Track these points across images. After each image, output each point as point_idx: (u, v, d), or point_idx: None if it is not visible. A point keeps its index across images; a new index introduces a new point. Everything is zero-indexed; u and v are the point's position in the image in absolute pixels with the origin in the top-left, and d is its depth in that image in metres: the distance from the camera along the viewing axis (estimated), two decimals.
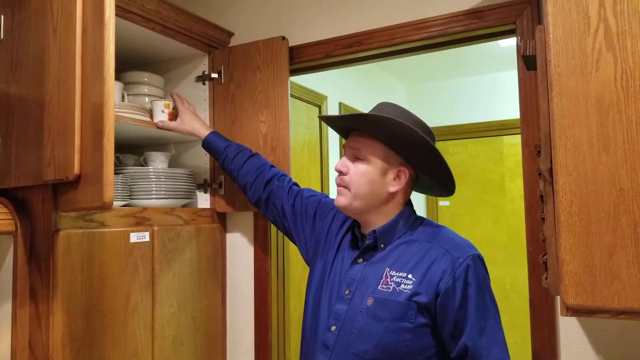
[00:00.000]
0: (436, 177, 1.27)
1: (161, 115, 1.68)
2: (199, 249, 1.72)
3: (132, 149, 1.93)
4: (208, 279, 1.76)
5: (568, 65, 1.02)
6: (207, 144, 1.65)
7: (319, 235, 1.41)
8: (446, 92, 3.96)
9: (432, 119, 3.85)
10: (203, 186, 1.85)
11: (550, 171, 1.04)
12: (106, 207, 1.08)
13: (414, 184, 1.29)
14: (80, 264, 1.33)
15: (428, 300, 1.13)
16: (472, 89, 3.88)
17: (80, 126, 1.15)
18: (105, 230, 1.41)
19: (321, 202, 1.46)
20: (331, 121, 1.35)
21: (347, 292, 1.22)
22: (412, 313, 1.13)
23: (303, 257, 1.46)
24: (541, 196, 1.10)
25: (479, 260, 1.18)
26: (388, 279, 1.18)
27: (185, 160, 1.91)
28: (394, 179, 1.23)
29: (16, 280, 1.29)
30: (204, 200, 1.86)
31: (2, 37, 1.33)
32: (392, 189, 1.24)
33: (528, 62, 1.19)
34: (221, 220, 1.85)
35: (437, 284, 1.13)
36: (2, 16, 1.34)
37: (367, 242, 1.24)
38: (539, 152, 1.09)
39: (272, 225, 1.83)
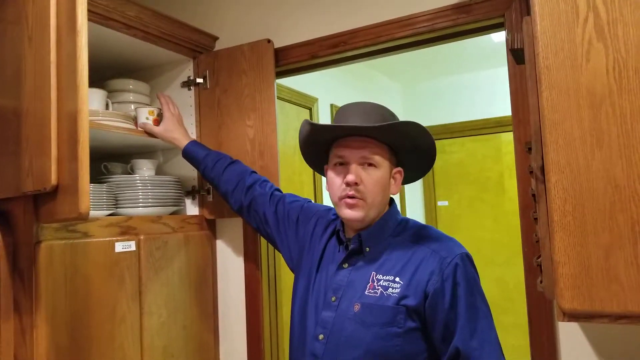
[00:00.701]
0: (420, 170, 1.28)
1: (145, 122, 1.65)
2: (187, 257, 1.69)
3: (120, 157, 1.90)
4: (198, 288, 1.72)
5: (557, 58, 0.99)
6: (186, 154, 1.62)
7: (302, 241, 1.37)
8: (441, 90, 3.92)
9: (429, 118, 3.82)
10: (191, 193, 1.82)
11: (542, 169, 1.00)
12: (82, 217, 1.04)
13: None
14: (64, 275, 1.29)
15: (417, 303, 1.10)
16: (468, 86, 3.84)
17: (57, 136, 1.12)
18: (89, 240, 1.37)
19: (303, 207, 1.42)
20: (336, 130, 1.20)
21: (333, 299, 1.18)
22: (401, 317, 1.10)
23: (287, 265, 1.42)
24: (533, 195, 1.06)
25: (467, 259, 1.14)
26: (375, 284, 1.14)
27: (172, 167, 1.88)
28: (393, 181, 1.21)
29: (0, 294, 1.26)
30: (192, 208, 1.82)
31: None
32: (393, 192, 1.22)
33: (517, 56, 1.15)
34: (210, 227, 1.82)
35: (425, 286, 1.10)
36: None
37: (351, 246, 1.20)
38: (530, 149, 1.05)
39: None
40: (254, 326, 1.76)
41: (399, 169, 1.22)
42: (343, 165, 1.18)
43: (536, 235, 1.05)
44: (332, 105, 2.89)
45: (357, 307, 1.14)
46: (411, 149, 1.20)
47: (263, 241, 1.83)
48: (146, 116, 1.66)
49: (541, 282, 1.03)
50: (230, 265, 1.83)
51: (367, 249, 1.20)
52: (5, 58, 1.24)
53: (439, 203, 3.89)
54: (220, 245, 1.86)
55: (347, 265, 1.21)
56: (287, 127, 2.49)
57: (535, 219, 1.06)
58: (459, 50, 3.23)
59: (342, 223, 1.26)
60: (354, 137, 1.17)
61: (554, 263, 0.97)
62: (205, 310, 1.75)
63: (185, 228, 1.71)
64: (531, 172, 1.05)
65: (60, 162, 1.11)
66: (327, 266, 1.25)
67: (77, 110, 1.05)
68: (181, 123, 1.69)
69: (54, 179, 1.11)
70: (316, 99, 2.70)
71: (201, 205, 1.81)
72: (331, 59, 1.68)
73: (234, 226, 1.84)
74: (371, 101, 1.24)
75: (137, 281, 1.50)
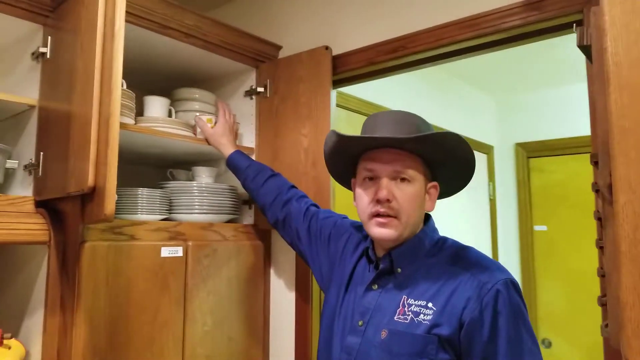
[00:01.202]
0: (458, 184, 1.17)
1: (206, 128, 1.67)
2: (237, 266, 1.66)
3: (187, 164, 1.93)
4: (247, 299, 1.68)
5: (629, 53, 0.81)
6: (229, 162, 1.60)
7: (332, 258, 1.29)
8: (540, 103, 3.59)
9: (526, 134, 3.51)
10: (248, 202, 1.80)
11: (610, 187, 0.82)
12: (108, 219, 1.05)
13: None
14: (105, 276, 1.32)
15: (450, 332, 0.97)
16: (571, 99, 3.47)
17: (97, 140, 1.15)
18: (134, 243, 1.40)
19: (337, 223, 1.34)
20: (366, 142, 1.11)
21: (360, 323, 1.09)
22: (433, 347, 0.98)
23: (318, 283, 1.35)
24: (599, 219, 0.88)
25: (512, 285, 1.00)
26: (405, 309, 1.03)
27: (232, 176, 1.88)
28: (428, 197, 1.11)
29: (48, 289, 1.31)
30: (248, 217, 1.80)
31: (49, 56, 1.39)
32: (428, 209, 1.12)
33: (587, 54, 0.97)
34: (264, 238, 1.78)
35: (460, 314, 0.97)
36: (50, 37, 1.39)
37: (381, 266, 1.10)
38: (596, 162, 0.87)
39: None
40: (301, 345, 1.68)
41: (434, 183, 1.12)
42: (373, 180, 1.08)
43: (602, 269, 0.86)
44: None
45: (384, 334, 1.03)
46: (447, 161, 1.09)
47: None
48: (206, 123, 1.68)
49: (606, 326, 0.84)
50: (283, 278, 1.78)
51: (399, 269, 1.09)
52: (64, 65, 1.31)
53: (536, 227, 3.54)
54: (275, 257, 1.81)
55: (376, 286, 1.11)
56: None
57: (601, 247, 0.88)
58: (561, 58, 2.93)
59: (372, 240, 1.16)
60: (385, 149, 1.07)
61: (621, 304, 0.78)
62: (254, 324, 1.71)
63: (238, 237, 1.69)
64: (597, 191, 0.87)
65: (98, 165, 1.14)
66: (356, 287, 1.16)
67: (109, 114, 1.07)
68: (232, 131, 1.68)
69: (90, 181, 1.14)
70: (387, 110, 2.58)
71: (256, 215, 1.78)
72: (390, 65, 1.58)
73: None
74: (408, 112, 1.13)
75: (183, 287, 1.50)
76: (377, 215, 1.06)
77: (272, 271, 1.81)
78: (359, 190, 1.12)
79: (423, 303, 1.02)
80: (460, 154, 1.08)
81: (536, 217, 3.60)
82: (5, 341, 1.26)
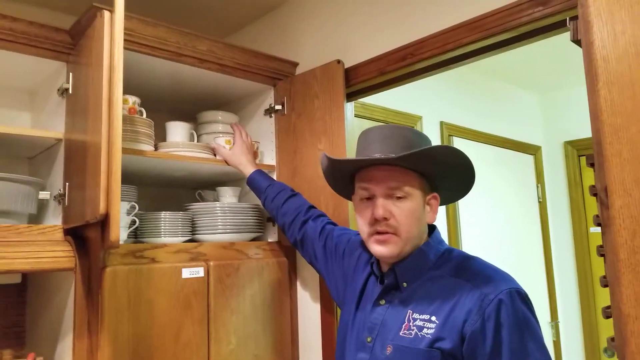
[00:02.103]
0: (458, 191, 1.14)
1: (218, 145, 1.72)
2: (261, 284, 1.67)
3: (214, 185, 1.98)
4: (273, 316, 1.69)
5: (617, 45, 0.76)
6: (250, 182, 1.63)
7: (346, 275, 1.28)
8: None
9: (575, 131, 3.33)
10: (271, 220, 1.81)
11: (606, 190, 0.76)
12: (113, 246, 1.09)
13: None
14: (127, 299, 1.37)
15: (452, 346, 0.94)
16: None
17: (107, 168, 1.20)
18: (154, 266, 1.44)
19: (350, 240, 1.33)
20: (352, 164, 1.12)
21: (368, 339, 1.07)
22: None
23: (335, 301, 1.35)
24: (599, 224, 0.81)
25: (517, 295, 0.95)
26: (410, 323, 1.01)
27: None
28: (429, 208, 1.08)
29: (75, 314, 1.38)
30: (272, 234, 1.82)
31: (71, 91, 1.47)
32: (430, 220, 1.10)
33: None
34: (289, 255, 1.78)
35: (461, 327, 0.94)
36: (71, 73, 1.48)
37: (386, 281, 1.09)
38: (592, 164, 0.81)
39: None
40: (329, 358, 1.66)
41: (434, 194, 1.09)
42: (370, 200, 1.07)
43: (605, 278, 0.80)
44: (441, 123, 2.69)
45: (389, 350, 1.02)
46: (442, 172, 1.06)
47: None
48: (223, 145, 1.72)
49: (612, 339, 0.78)
50: (309, 294, 1.78)
51: (405, 284, 1.07)
52: (81, 98, 1.38)
53: (592, 230, 3.33)
54: (301, 273, 1.81)
55: (383, 302, 1.09)
56: None
57: (603, 255, 0.81)
58: None
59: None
60: (377, 167, 1.06)
61: (622, 316, 0.72)
62: (281, 341, 1.71)
63: (261, 255, 1.70)
64: (595, 195, 0.80)
65: (109, 193, 1.19)
66: (366, 303, 1.15)
67: (111, 143, 1.11)
68: (250, 151, 1.71)
69: (102, 209, 1.18)
70: (419, 117, 2.53)
71: (280, 231, 1.79)
72: (400, 74, 1.55)
73: None
74: (396, 124, 1.13)
75: (205, 307, 1.53)
76: (377, 233, 1.05)
77: (298, 287, 1.81)
78: (358, 209, 1.11)
79: (426, 317, 1.00)
80: (453, 163, 1.04)
81: (591, 219, 3.39)
82: None
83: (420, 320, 1.00)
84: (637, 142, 0.72)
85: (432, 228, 1.12)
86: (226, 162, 1.69)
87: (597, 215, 0.80)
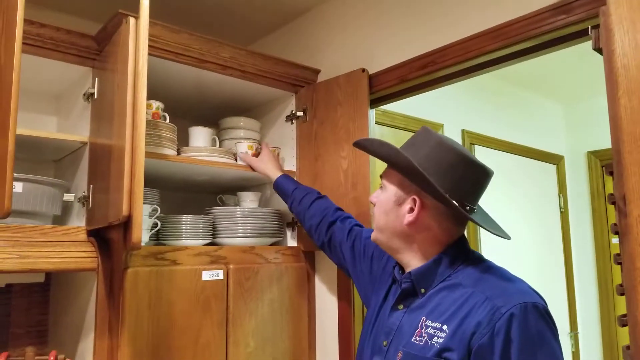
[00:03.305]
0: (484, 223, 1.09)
1: (242, 153, 1.75)
2: (280, 288, 1.68)
3: (236, 190, 2.00)
4: (291, 320, 1.70)
5: (637, 53, 0.75)
6: (277, 186, 1.65)
7: (374, 277, 1.29)
8: None
9: (598, 141, 3.28)
10: (291, 225, 1.83)
11: (625, 199, 0.75)
12: (135, 247, 1.12)
13: (457, 219, 1.07)
14: (148, 300, 1.39)
15: (459, 358, 0.92)
16: None
17: (131, 172, 1.23)
18: (175, 267, 1.46)
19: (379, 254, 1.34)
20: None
21: (384, 343, 1.08)
22: None
23: (363, 302, 1.34)
24: (616, 232, 0.80)
25: (533, 309, 0.91)
26: (423, 330, 1.00)
27: (277, 200, 1.92)
28: (410, 210, 1.06)
29: (97, 313, 1.41)
30: (291, 239, 1.83)
31: (96, 96, 1.51)
32: (406, 221, 1.07)
33: None
34: (308, 260, 1.80)
35: (469, 339, 0.92)
36: (97, 78, 1.52)
37: (403, 285, 1.08)
38: (612, 172, 0.80)
39: None
40: None
41: (413, 197, 1.06)
42: None
43: (621, 286, 0.79)
44: (463, 131, 2.68)
45: (399, 356, 1.02)
46: (390, 166, 1.13)
47: None
48: (245, 150, 1.75)
49: (628, 348, 0.76)
50: (327, 299, 1.78)
51: (423, 290, 1.06)
52: (107, 103, 1.42)
53: (614, 240, 3.27)
54: (320, 278, 1.82)
55: (401, 306, 1.10)
56: None
57: (620, 263, 0.80)
58: None
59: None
60: None
61: (638, 324, 0.72)
62: (298, 345, 1.71)
63: (279, 259, 1.72)
64: (613, 203, 0.80)
65: (132, 196, 1.22)
66: (387, 307, 1.14)
67: (134, 147, 1.14)
68: (277, 158, 1.74)
69: (125, 211, 1.21)
70: (441, 125, 2.52)
71: (299, 237, 1.81)
72: (422, 82, 1.56)
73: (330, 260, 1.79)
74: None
75: (225, 309, 1.54)
76: None
77: (316, 292, 1.82)
78: None
79: (438, 325, 0.98)
80: (381, 154, 1.12)
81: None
82: None
83: (432, 328, 0.99)
84: None
85: (461, 238, 1.10)
86: (253, 168, 1.71)
87: (615, 224, 0.79)
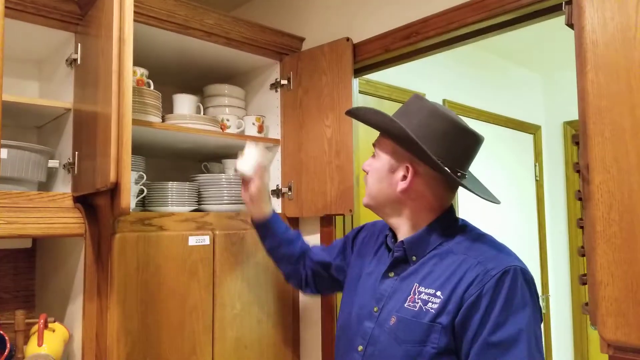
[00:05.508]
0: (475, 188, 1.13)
1: (252, 128, 1.80)
2: (265, 253, 1.73)
3: (220, 157, 2.02)
4: (276, 283, 1.76)
5: (605, 30, 0.80)
6: (272, 221, 1.50)
7: (348, 258, 1.37)
8: None
9: (575, 112, 3.34)
10: (275, 192, 1.87)
11: (588, 168, 0.81)
12: (124, 213, 1.15)
13: (449, 186, 1.12)
14: (136, 264, 1.43)
15: (451, 319, 0.98)
16: None
17: (117, 138, 1.24)
18: (162, 233, 1.50)
19: (347, 237, 1.44)
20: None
21: (375, 309, 1.12)
22: (436, 337, 0.99)
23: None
24: (580, 199, 0.87)
25: (520, 273, 0.97)
26: (415, 296, 1.05)
27: None
28: (403, 177, 1.10)
29: (85, 278, 1.44)
30: (276, 206, 1.87)
31: (79, 62, 1.51)
32: (399, 188, 1.11)
33: None
34: (293, 225, 1.84)
35: (460, 300, 0.97)
36: (80, 44, 1.51)
37: (395, 254, 1.13)
38: (577, 142, 0.86)
39: (337, 230, 1.78)
40: (328, 328, 1.74)
41: (406, 164, 1.10)
42: None
43: (582, 248, 0.85)
44: (444, 101, 2.72)
45: (393, 320, 1.06)
46: (382, 134, 1.17)
47: None
48: (253, 122, 1.80)
49: (586, 304, 0.84)
50: None
51: (414, 257, 1.11)
52: (91, 69, 1.42)
53: None
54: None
55: (392, 274, 1.14)
56: None
57: (582, 227, 0.87)
58: None
59: (391, 229, 1.19)
60: None
61: (596, 283, 0.78)
62: (283, 307, 1.78)
63: None
64: (578, 171, 0.85)
65: (119, 162, 1.24)
66: (374, 274, 1.19)
67: (121, 114, 1.16)
68: (265, 190, 1.52)
69: (112, 177, 1.23)
70: (423, 95, 2.56)
71: (284, 204, 1.85)
72: (405, 52, 1.58)
73: (315, 225, 1.84)
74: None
75: (211, 273, 1.59)
76: None
77: None
78: None
79: (432, 291, 1.02)
80: (378, 126, 1.14)
81: None
82: (50, 325, 1.40)
83: (426, 294, 1.03)
84: (618, 123, 0.76)
85: (449, 207, 1.14)
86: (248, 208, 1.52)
87: (579, 190, 0.85)
